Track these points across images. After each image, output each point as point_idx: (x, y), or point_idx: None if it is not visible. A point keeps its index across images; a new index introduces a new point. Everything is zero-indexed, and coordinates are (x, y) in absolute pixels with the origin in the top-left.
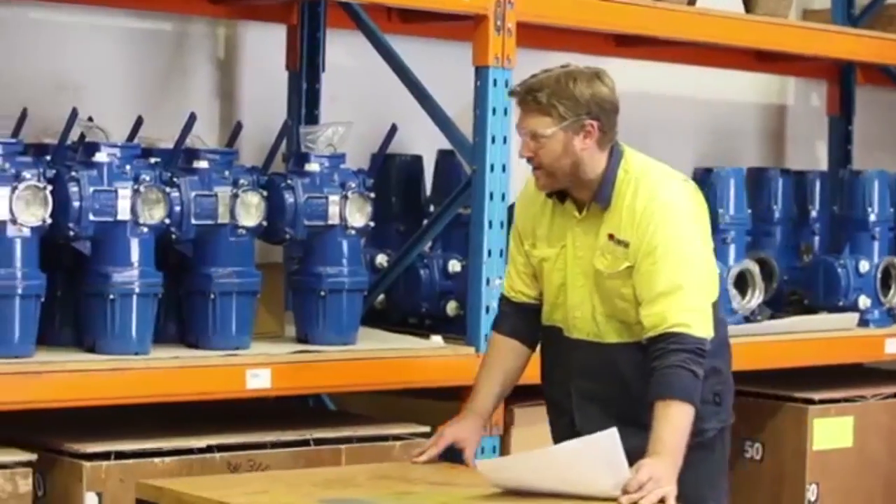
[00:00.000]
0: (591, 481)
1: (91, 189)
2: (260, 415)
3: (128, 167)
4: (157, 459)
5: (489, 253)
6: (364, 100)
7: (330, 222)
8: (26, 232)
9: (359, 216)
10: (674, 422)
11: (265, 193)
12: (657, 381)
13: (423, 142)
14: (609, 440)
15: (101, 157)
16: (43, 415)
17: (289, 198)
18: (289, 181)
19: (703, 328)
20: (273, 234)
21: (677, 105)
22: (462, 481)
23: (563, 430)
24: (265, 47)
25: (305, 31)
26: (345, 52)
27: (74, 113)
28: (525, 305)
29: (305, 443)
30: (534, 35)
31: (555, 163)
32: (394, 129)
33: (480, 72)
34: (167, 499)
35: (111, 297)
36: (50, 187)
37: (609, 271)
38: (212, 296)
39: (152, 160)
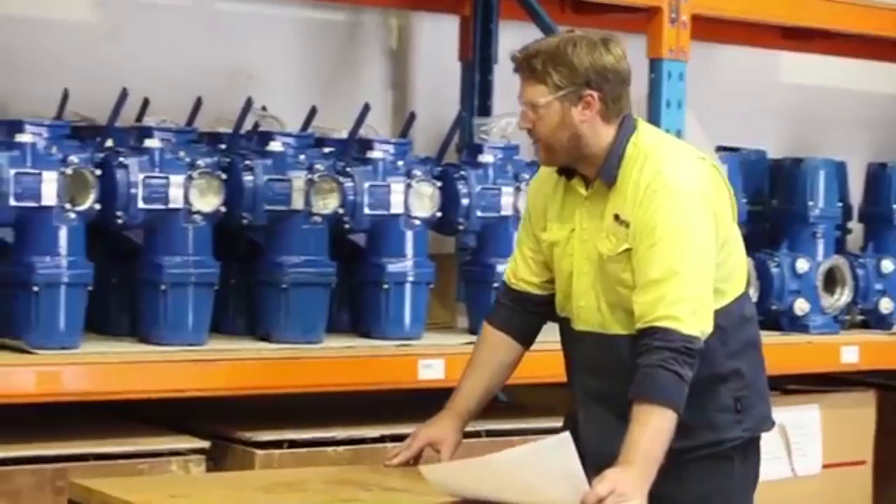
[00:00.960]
0: (544, 491)
1: (265, 178)
2: (431, 405)
3: (301, 156)
4: (329, 448)
5: None
6: None
7: (503, 213)
8: (200, 220)
9: None
10: (649, 427)
11: (439, 184)
12: (637, 381)
13: None
14: (561, 446)
15: (275, 146)
16: (216, 402)
17: (462, 189)
18: (462, 172)
19: (695, 323)
20: (446, 225)
21: (850, 98)
22: (421, 488)
23: (571, 430)
24: (438, 38)
25: (478, 21)
26: (518, 43)
27: (249, 102)
28: (525, 296)
29: (477, 434)
30: (703, 28)
31: (552, 136)
32: None
33: (655, 64)
34: (95, 500)
35: (283, 286)
36: (224, 176)
37: (609, 253)
38: (385, 286)
39: (325, 150)
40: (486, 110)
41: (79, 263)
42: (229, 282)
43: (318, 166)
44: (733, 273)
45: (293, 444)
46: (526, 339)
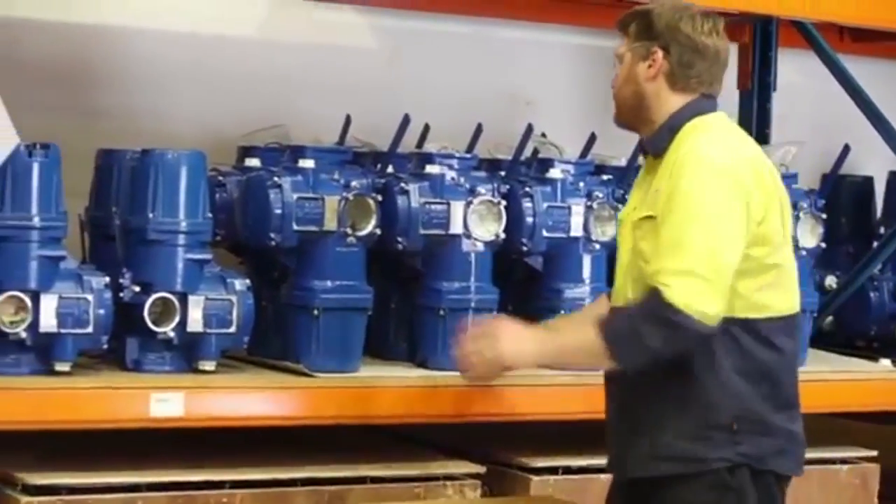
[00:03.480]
0: None
1: (545, 205)
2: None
3: (581, 184)
4: (602, 476)
5: None
6: (814, 119)
7: None
8: (480, 247)
9: (810, 237)
10: (580, 338)
11: None
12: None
13: (874, 163)
14: None
15: (554, 173)
16: (492, 427)
17: None
18: None
19: (686, 296)
20: None
21: None
22: None
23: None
24: None
25: (757, 49)
26: (796, 70)
27: (530, 128)
28: None
29: None
30: None
31: (619, 89)
32: (846, 149)
33: None
34: None
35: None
36: (504, 202)
37: (633, 219)
38: None
39: (604, 177)
40: (764, 138)
41: (359, 288)
42: (507, 307)
43: (597, 193)
44: (774, 288)
45: (568, 470)
46: None
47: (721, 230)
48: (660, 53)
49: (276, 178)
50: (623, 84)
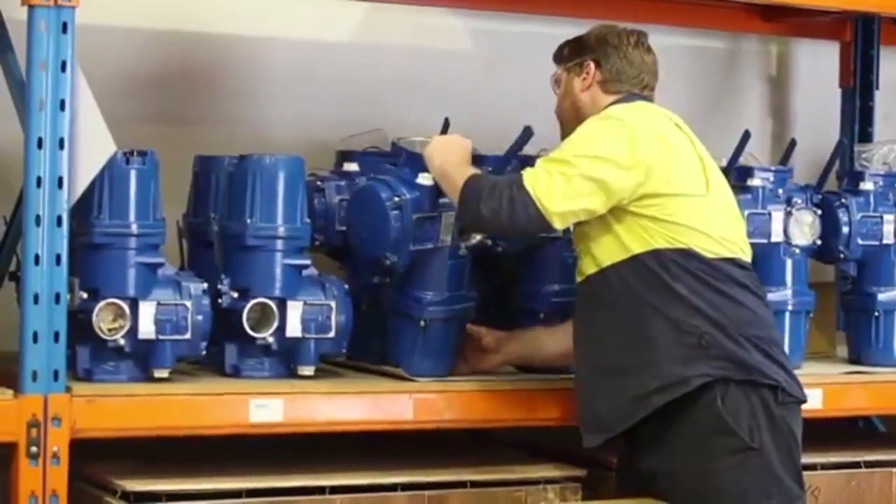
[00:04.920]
0: None
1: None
2: (810, 436)
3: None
4: None
5: None
6: None
7: (884, 241)
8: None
9: None
10: (454, 172)
11: (819, 212)
12: None
13: None
14: None
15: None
16: None
17: (843, 216)
18: (843, 200)
19: (533, 179)
20: (826, 253)
21: None
22: None
23: None
24: (818, 64)
25: (859, 47)
26: None
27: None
28: None
29: (856, 465)
30: None
31: (559, 107)
32: None
33: None
34: None
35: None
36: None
37: None
38: None
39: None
40: (867, 136)
41: (465, 297)
42: None
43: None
44: (698, 234)
45: None
46: None
47: (597, 160)
48: (592, 65)
49: (396, 198)
50: (561, 100)
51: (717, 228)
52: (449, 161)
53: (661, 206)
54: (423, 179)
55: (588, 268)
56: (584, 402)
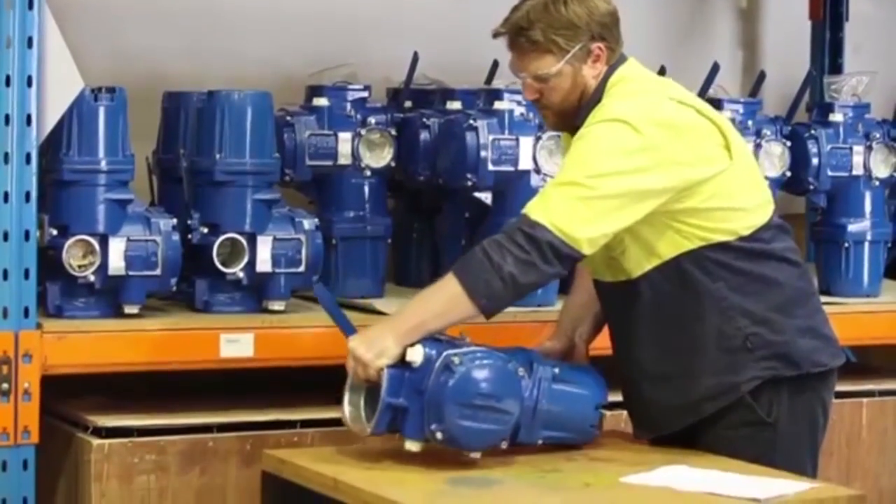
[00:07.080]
0: None
1: None
2: None
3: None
4: None
5: None
6: (888, 49)
7: (854, 173)
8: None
9: (883, 167)
10: (428, 290)
11: (788, 143)
12: None
13: None
14: None
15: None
16: None
17: (812, 148)
18: (812, 131)
19: (545, 211)
20: (796, 185)
21: None
22: (627, 458)
23: None
24: None
25: None
26: (868, 0)
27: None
28: None
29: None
30: None
31: (564, 101)
32: None
33: None
34: (288, 471)
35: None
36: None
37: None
38: None
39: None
40: (836, 69)
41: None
42: None
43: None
44: (734, 211)
45: None
46: None
47: (610, 178)
48: (602, 46)
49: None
50: (570, 93)
51: (751, 195)
52: (405, 319)
53: (698, 194)
54: (413, 356)
55: (621, 274)
56: (632, 402)
